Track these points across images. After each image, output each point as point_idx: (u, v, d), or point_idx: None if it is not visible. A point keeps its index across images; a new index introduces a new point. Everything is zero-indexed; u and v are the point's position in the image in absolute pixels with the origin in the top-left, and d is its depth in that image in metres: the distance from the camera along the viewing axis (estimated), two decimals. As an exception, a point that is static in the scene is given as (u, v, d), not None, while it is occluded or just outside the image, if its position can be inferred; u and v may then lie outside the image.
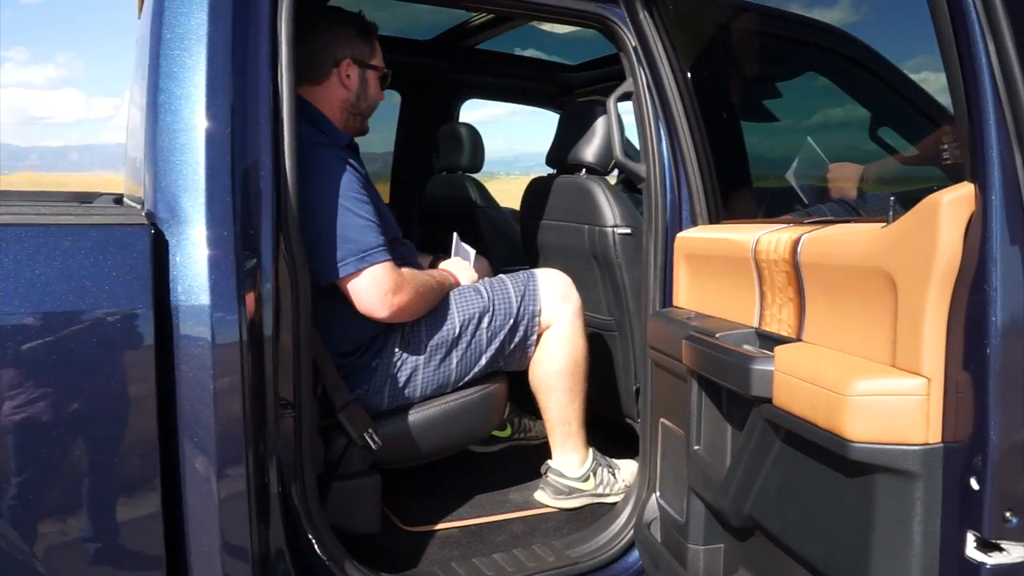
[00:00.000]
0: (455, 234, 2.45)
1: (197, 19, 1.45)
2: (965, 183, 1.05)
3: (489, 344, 2.09)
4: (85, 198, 2.27)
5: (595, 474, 2.27)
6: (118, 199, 2.19)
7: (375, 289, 1.85)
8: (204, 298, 1.38)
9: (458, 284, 2.16)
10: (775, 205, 2.30)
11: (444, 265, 2.26)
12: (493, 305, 2.10)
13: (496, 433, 2.66)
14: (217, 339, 1.38)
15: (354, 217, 1.83)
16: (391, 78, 2.19)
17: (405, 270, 1.94)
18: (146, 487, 1.36)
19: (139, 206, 1.54)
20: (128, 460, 1.35)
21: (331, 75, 2.05)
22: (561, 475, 2.25)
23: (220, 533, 1.42)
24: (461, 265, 2.25)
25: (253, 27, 1.51)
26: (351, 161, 1.95)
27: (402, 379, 2.01)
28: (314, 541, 1.66)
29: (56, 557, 1.32)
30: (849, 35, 2.34)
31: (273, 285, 1.52)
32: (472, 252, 2.44)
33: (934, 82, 2.06)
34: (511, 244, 3.44)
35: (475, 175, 3.52)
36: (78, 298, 1.28)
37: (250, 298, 1.45)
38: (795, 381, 1.25)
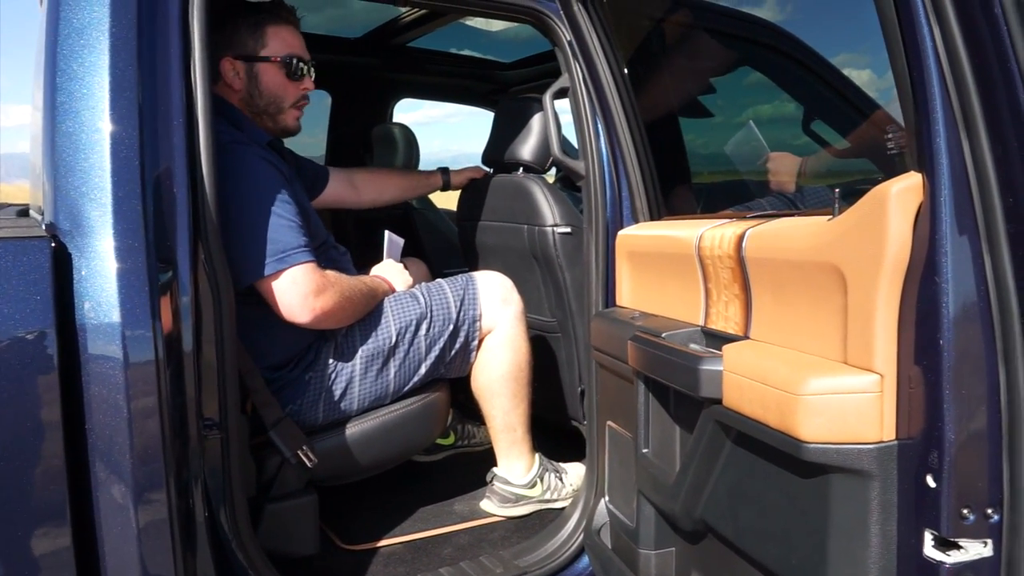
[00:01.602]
0: (386, 231, 2.36)
1: (98, 11, 1.33)
2: (912, 173, 1.02)
3: (428, 352, 2.01)
4: (-15, 210, 2.11)
5: (542, 480, 2.22)
6: (23, 211, 2.04)
7: (295, 291, 1.75)
8: (114, 315, 1.27)
9: (393, 291, 2.07)
10: (715, 200, 2.28)
11: (377, 270, 2.16)
12: (431, 311, 2.02)
13: (439, 441, 2.59)
14: (130, 358, 1.27)
15: (273, 217, 1.73)
16: (319, 76, 2.08)
17: (330, 272, 1.84)
18: (55, 519, 1.25)
19: (41, 217, 1.41)
20: (34, 492, 1.23)
21: (220, 75, 1.92)
22: (507, 483, 2.19)
23: (141, 565, 1.32)
24: (395, 269, 2.16)
25: (162, 18, 1.40)
26: (271, 160, 1.84)
27: (337, 392, 1.91)
28: (246, 567, 1.56)
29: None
30: (783, 30, 2.35)
31: (192, 297, 1.42)
32: (401, 241, 2.36)
33: (858, 77, 2.09)
34: (449, 246, 3.36)
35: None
36: (-32, 320, 1.16)
37: (166, 312, 1.34)
38: (745, 381, 1.22)
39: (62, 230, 1.29)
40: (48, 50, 1.35)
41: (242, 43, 1.94)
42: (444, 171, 2.65)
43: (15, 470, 1.22)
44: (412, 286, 2.12)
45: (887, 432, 1.05)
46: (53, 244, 1.25)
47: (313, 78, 2.06)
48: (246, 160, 1.77)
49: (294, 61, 1.98)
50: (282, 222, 1.75)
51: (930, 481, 1.00)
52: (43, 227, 1.33)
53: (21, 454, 1.22)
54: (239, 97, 1.96)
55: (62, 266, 1.26)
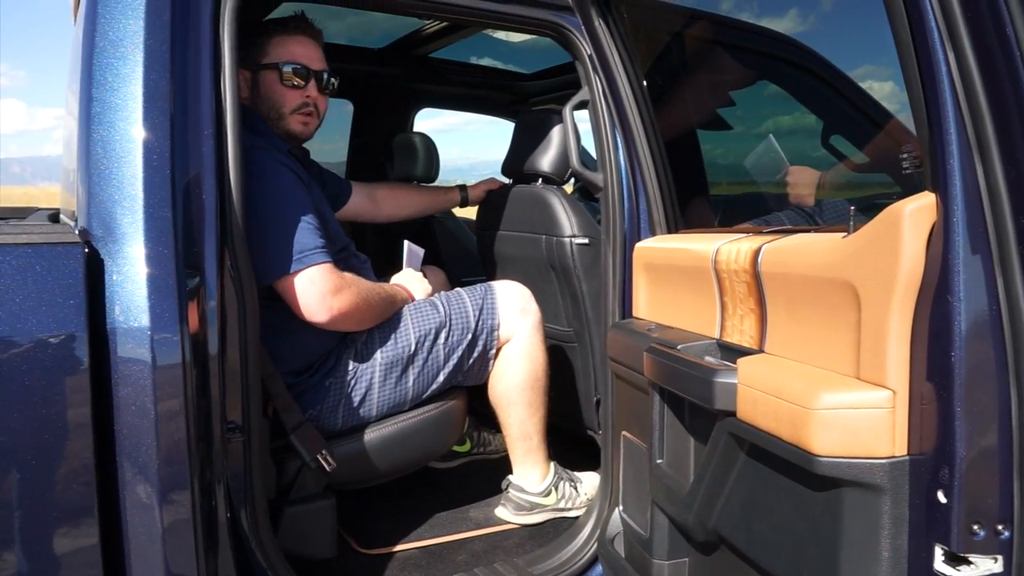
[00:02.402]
0: (405, 240, 2.40)
1: (133, 24, 1.37)
2: (926, 193, 1.04)
3: (447, 360, 2.04)
4: (19, 214, 2.16)
5: (557, 488, 2.24)
6: (54, 215, 2.09)
7: (312, 290, 1.78)
8: (143, 319, 1.31)
9: (412, 299, 2.10)
10: (733, 213, 2.29)
11: (397, 279, 2.19)
12: (450, 320, 2.05)
13: (455, 448, 2.61)
14: (158, 362, 1.31)
15: (291, 219, 1.76)
16: (341, 85, 2.11)
17: (348, 275, 1.88)
18: (83, 517, 1.29)
19: (74, 222, 1.46)
20: (63, 490, 1.27)
21: None
22: (522, 490, 2.21)
23: (165, 564, 1.35)
24: (414, 278, 2.19)
25: (194, 32, 1.45)
26: (290, 164, 1.88)
27: (357, 398, 1.94)
28: (266, 569, 1.59)
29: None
30: (802, 44, 2.36)
31: (218, 303, 1.45)
32: (420, 252, 2.40)
33: (879, 90, 2.10)
34: (467, 254, 3.39)
35: (430, 185, 3.46)
36: (6, 322, 1.21)
37: (193, 318, 1.38)
38: (759, 394, 1.23)
39: (95, 236, 1.33)
40: (84, 61, 1.39)
41: (247, 53, 1.98)
42: (462, 187, 2.72)
43: (48, 468, 1.26)
44: (431, 294, 2.16)
45: (899, 447, 1.06)
46: (86, 250, 1.29)
47: (329, 87, 2.06)
48: (265, 164, 1.81)
49: (292, 68, 1.99)
50: (300, 224, 1.78)
51: (941, 497, 1.01)
52: (76, 233, 1.37)
53: (53, 453, 1.26)
54: (248, 106, 1.99)
55: (94, 271, 1.30)
